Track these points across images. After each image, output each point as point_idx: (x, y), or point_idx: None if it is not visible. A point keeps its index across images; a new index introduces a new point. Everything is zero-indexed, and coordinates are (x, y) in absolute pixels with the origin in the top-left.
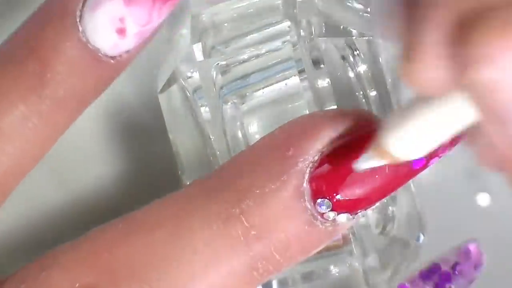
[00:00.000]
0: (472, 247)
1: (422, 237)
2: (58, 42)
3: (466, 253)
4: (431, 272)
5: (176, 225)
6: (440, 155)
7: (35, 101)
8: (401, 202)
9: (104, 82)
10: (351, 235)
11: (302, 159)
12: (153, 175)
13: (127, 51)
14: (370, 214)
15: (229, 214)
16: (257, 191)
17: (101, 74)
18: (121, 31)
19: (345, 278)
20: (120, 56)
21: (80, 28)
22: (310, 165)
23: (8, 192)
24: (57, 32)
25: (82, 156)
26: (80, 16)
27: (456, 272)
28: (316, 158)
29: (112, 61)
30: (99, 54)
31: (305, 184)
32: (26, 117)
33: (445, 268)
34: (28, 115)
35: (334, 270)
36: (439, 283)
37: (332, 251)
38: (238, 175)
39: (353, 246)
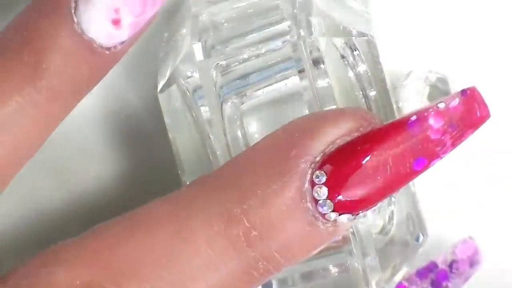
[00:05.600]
0: (468, 245)
1: (421, 237)
2: (53, 33)
3: (463, 251)
4: (428, 270)
5: (177, 225)
6: (441, 156)
7: (31, 91)
8: (401, 202)
9: (99, 73)
10: (350, 235)
11: (304, 160)
12: (153, 175)
13: (122, 42)
14: (369, 214)
15: (231, 214)
16: (259, 192)
17: (96, 65)
18: (116, 22)
19: (345, 278)
20: (115, 47)
21: (75, 19)
22: (312, 165)
23: (5, 183)
24: (52, 23)
25: (82, 157)
26: (75, 7)
27: (453, 270)
28: (318, 158)
29: (107, 52)
30: (94, 45)
31: (307, 185)
32: (22, 108)
33: (442, 266)
34: (24, 105)
35: (333, 270)
36: (436, 281)
37: (332, 251)
38: (240, 175)
39: (353, 246)
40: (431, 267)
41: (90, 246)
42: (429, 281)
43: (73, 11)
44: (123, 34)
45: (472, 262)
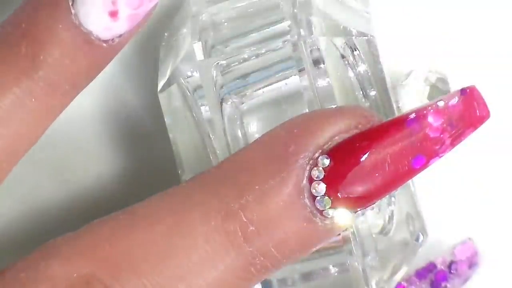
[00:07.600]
0: (467, 246)
1: (421, 237)
2: (51, 25)
3: (462, 252)
4: (427, 271)
5: (175, 220)
6: (440, 154)
7: (29, 83)
8: (400, 202)
9: (97, 66)
10: (350, 235)
11: (302, 156)
12: (153, 175)
13: (120, 35)
14: (369, 214)
15: (228, 210)
16: (257, 187)
17: (93, 58)
18: (113, 14)
19: (345, 277)
20: (113, 40)
21: (73, 11)
22: (311, 162)
23: (3, 175)
24: (50, 15)
25: (82, 156)
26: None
27: (452, 271)
28: (316, 155)
29: (104, 44)
30: (92, 37)
31: (305, 181)
32: (20, 99)
33: (441, 267)
34: (22, 97)
35: (333, 269)
36: (435, 282)
37: (331, 250)
38: (238, 170)
39: (353, 245)
40: (430, 268)
41: (88, 239)
42: (428, 281)
43: (70, 3)
44: (121, 26)
45: (471, 263)
